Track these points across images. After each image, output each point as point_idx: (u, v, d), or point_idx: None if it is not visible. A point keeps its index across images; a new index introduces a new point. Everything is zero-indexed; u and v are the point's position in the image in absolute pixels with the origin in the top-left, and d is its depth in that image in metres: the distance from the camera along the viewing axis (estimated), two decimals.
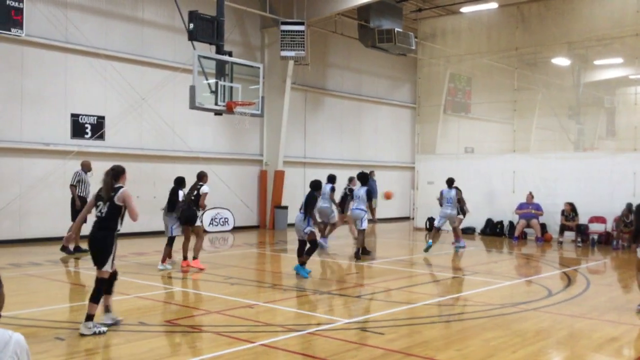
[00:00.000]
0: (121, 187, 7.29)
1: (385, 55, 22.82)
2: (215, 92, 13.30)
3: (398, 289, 10.37)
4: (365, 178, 14.24)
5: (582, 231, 17.51)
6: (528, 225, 18.46)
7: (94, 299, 6.97)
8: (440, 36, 22.76)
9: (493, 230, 19.85)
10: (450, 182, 15.74)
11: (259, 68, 14.66)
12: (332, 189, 15.47)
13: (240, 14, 19.73)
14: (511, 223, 19.38)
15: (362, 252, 13.88)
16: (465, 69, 24.57)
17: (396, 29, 20.03)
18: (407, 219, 25.75)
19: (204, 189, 11.68)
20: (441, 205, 15.69)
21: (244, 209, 20.56)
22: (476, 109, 24.96)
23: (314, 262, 12.17)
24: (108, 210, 7.17)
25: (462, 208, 16.11)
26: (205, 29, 13.15)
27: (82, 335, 6.82)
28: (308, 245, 11.09)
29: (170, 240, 11.73)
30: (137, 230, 17.38)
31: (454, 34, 22.53)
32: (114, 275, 7.36)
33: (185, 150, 18.64)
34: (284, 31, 18.64)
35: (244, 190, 20.68)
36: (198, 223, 11.75)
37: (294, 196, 21.73)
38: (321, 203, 14.37)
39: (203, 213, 12.09)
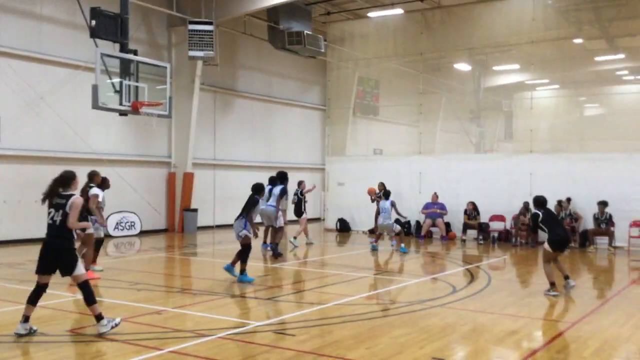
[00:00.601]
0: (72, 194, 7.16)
1: (295, 58, 22.92)
2: (119, 92, 12.86)
3: (309, 290, 10.42)
4: (284, 177, 14.78)
5: (483, 229, 18.33)
6: (434, 225, 19.09)
7: (90, 301, 7.02)
8: (348, 40, 23.14)
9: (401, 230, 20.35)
10: (387, 194, 15.93)
11: (165, 68, 14.31)
12: (283, 191, 14.65)
13: (146, 12, 19.18)
14: (418, 222, 19.98)
15: (274, 253, 13.90)
16: (373, 73, 25.10)
17: (306, 32, 20.16)
18: (317, 219, 25.95)
19: (94, 190, 10.76)
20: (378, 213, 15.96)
21: (152, 212, 19.99)
22: (384, 112, 25.54)
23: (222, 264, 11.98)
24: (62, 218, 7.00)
25: (398, 218, 16.28)
26: (108, 26, 12.68)
27: (101, 334, 6.95)
28: (239, 249, 10.78)
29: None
30: (35, 236, 16.55)
31: (362, 38, 22.97)
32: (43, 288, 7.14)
33: (88, 151, 17.88)
34: (191, 30, 18.30)
35: (152, 193, 20.12)
36: (90, 230, 10.48)
37: (203, 199, 21.40)
38: (265, 204, 13.80)
39: (97, 219, 10.92)
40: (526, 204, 17.38)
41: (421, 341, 7.01)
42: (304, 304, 9.18)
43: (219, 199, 22.26)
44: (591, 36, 21.05)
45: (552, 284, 9.92)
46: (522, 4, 19.54)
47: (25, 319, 7.02)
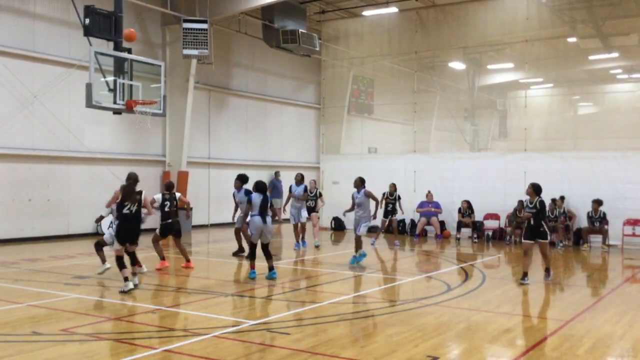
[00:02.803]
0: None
1: (290, 56, 22.89)
2: (113, 90, 12.79)
3: (304, 289, 10.42)
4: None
5: (477, 228, 18.37)
6: (428, 223, 19.12)
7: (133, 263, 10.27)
8: (343, 38, 23.14)
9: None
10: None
11: (160, 66, 14.26)
12: (305, 189, 15.75)
13: (140, 10, 19.11)
14: (412, 221, 20.00)
15: (238, 251, 14.10)
16: (368, 71, 25.11)
17: (300, 30, 20.13)
18: None
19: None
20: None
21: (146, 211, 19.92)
22: (379, 110, 25.56)
23: (222, 264, 12.00)
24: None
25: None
26: (102, 24, 12.63)
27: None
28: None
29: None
30: (29, 235, 16.49)
31: (356, 37, 22.97)
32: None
33: (82, 150, 17.82)
34: (186, 29, 18.24)
35: (146, 192, 19.99)
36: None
37: (198, 197, 21.35)
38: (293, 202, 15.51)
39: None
40: (520, 202, 17.43)
41: (416, 339, 7.02)
42: (299, 303, 9.17)
43: (214, 197, 22.23)
44: (585, 35, 21.10)
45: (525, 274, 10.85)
46: (516, 3, 19.57)
47: (126, 278, 9.59)
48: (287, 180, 24.86)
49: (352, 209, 13.24)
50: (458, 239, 18.21)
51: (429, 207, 19.16)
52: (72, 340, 7.01)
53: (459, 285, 10.87)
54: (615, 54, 22.09)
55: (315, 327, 7.74)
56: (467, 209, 18.38)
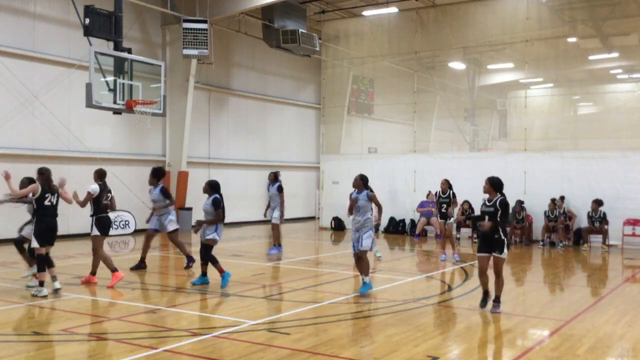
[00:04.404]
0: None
1: (290, 56, 22.89)
2: (113, 90, 12.82)
3: (304, 289, 10.42)
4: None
5: (477, 228, 18.32)
6: (428, 223, 19.11)
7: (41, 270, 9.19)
8: (343, 38, 23.13)
9: (395, 229, 20.40)
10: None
11: (160, 66, 14.27)
12: (280, 188, 14.55)
13: (140, 10, 19.12)
14: (412, 221, 20.00)
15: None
16: (368, 71, 25.10)
17: (300, 30, 20.14)
18: (312, 218, 25.96)
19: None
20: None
21: (146, 211, 19.87)
22: (379, 110, 25.54)
23: (221, 264, 11.94)
24: None
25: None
26: (102, 24, 12.66)
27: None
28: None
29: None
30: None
31: (356, 37, 22.97)
32: None
33: (82, 150, 17.81)
34: (186, 29, 18.24)
35: (146, 192, 19.86)
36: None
37: (198, 198, 21.31)
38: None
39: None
40: (520, 202, 17.45)
41: (416, 339, 7.02)
42: (299, 303, 9.17)
43: None
44: (585, 35, 21.09)
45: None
46: (516, 3, 19.57)
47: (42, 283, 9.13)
48: (287, 180, 24.93)
49: (350, 213, 10.05)
50: (458, 239, 18.20)
51: (429, 207, 19.15)
52: (72, 340, 7.01)
53: (459, 285, 10.87)
54: (615, 54, 22.07)
55: (315, 327, 7.74)
56: (467, 209, 18.36)
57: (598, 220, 16.53)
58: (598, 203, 16.51)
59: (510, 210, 17.51)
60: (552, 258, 15.21)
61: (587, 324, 7.97)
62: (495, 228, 8.40)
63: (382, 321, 8.04)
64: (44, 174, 9.40)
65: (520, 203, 17.42)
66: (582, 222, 17.12)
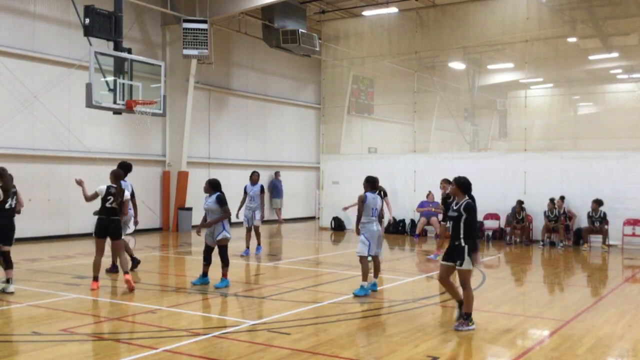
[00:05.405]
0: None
1: (290, 56, 22.88)
2: (113, 90, 12.82)
3: (304, 289, 10.42)
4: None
5: (477, 228, 18.33)
6: (428, 223, 19.11)
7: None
8: (343, 38, 23.13)
9: (395, 228, 20.40)
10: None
11: (160, 66, 14.27)
12: (262, 189, 14.34)
13: (140, 10, 19.12)
14: (412, 221, 19.99)
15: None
16: (368, 71, 25.10)
17: (300, 30, 20.14)
18: (312, 218, 25.96)
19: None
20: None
21: (146, 211, 19.91)
22: (379, 110, 25.55)
23: (217, 264, 11.94)
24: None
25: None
26: (102, 24, 12.66)
27: None
28: None
29: None
30: (29, 235, 16.47)
31: (356, 37, 22.97)
32: None
33: (82, 150, 17.81)
34: (186, 29, 18.23)
35: (146, 192, 20.04)
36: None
37: (198, 198, 21.31)
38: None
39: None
40: (520, 202, 17.45)
41: (416, 339, 7.01)
42: (299, 303, 9.17)
43: None
44: (585, 35, 21.11)
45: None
46: (516, 3, 19.56)
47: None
48: (287, 180, 24.96)
49: (359, 220, 9.61)
50: None
51: (429, 207, 19.15)
52: (72, 340, 7.01)
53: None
54: (615, 54, 22.09)
55: (315, 327, 7.74)
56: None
57: (598, 220, 16.52)
58: (598, 203, 16.50)
59: (510, 214, 17.66)
60: (552, 258, 15.21)
61: (587, 324, 7.97)
62: (456, 234, 7.50)
63: (382, 321, 8.04)
64: (4, 177, 9.41)
65: (520, 203, 17.44)
66: (582, 222, 17.12)
